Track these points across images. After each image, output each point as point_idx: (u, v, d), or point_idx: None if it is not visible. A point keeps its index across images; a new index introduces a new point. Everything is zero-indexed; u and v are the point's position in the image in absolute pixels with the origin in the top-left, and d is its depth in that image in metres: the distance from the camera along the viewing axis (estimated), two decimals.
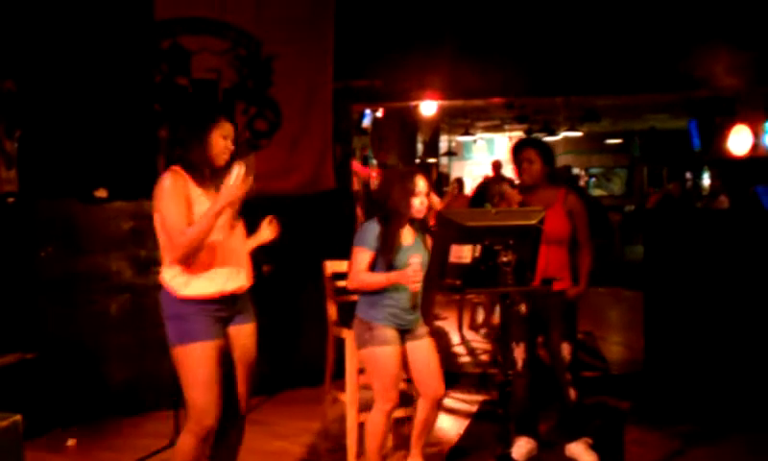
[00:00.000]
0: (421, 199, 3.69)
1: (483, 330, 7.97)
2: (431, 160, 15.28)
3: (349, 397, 4.20)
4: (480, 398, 5.58)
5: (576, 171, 19.49)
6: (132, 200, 5.20)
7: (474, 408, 5.38)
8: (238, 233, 3.36)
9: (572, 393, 4.30)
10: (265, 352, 5.55)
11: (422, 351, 3.80)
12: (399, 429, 4.52)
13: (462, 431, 4.94)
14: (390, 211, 3.68)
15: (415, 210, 3.68)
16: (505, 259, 3.30)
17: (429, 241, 3.83)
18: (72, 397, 5.06)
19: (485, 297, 7.70)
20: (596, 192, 20.42)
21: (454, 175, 18.55)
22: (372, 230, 3.69)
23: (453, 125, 16.92)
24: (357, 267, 3.68)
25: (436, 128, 15.93)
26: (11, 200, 5.13)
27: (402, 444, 4.34)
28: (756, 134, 9.41)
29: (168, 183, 3.13)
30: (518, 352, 4.31)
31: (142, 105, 5.46)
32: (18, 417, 3.02)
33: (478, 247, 3.39)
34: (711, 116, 10.36)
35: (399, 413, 4.13)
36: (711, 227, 5.49)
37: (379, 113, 10.16)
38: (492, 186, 9.40)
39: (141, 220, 5.04)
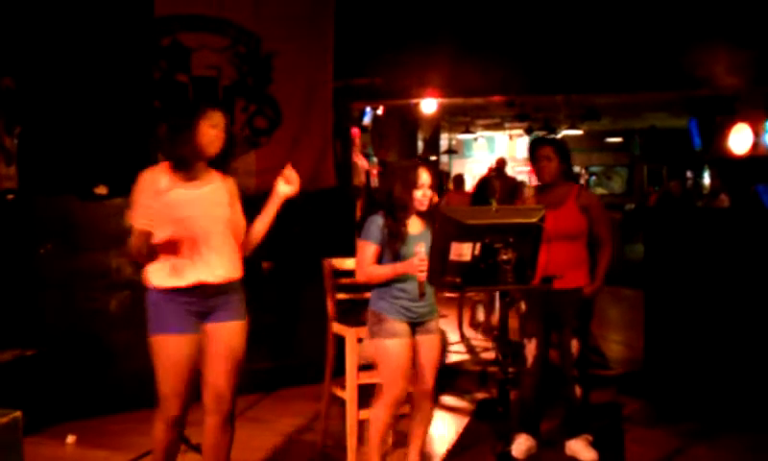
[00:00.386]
0: (424, 191, 3.68)
1: (483, 329, 7.97)
2: (432, 158, 15.27)
3: (349, 394, 4.19)
4: (480, 396, 5.58)
5: (577, 169, 19.48)
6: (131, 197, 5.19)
7: (474, 406, 5.38)
8: (220, 228, 3.33)
9: (578, 390, 4.30)
10: (265, 349, 5.63)
11: (429, 345, 3.78)
12: (398, 426, 4.51)
13: (461, 429, 4.94)
14: (393, 204, 3.69)
15: (417, 202, 3.68)
16: (505, 257, 3.29)
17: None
18: (71, 393, 5.06)
19: (485, 295, 7.69)
20: (597, 191, 20.41)
21: (455, 173, 18.55)
22: (376, 222, 3.70)
23: (454, 123, 16.92)
24: (364, 261, 3.69)
25: (436, 126, 15.93)
26: (10, 197, 5.13)
27: (401, 441, 4.33)
28: (757, 133, 9.40)
29: (140, 180, 3.26)
30: (530, 349, 4.31)
31: (142, 102, 5.46)
32: (18, 413, 3.02)
33: (478, 245, 3.38)
34: (712, 115, 10.35)
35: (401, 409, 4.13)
36: (712, 225, 5.49)
37: (380, 111, 10.16)
38: (492, 182, 9.40)
39: None
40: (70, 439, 4.73)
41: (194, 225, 3.24)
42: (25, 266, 5.08)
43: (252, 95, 5.78)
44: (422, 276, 3.55)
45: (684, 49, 5.82)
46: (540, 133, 17.14)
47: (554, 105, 13.56)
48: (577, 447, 4.30)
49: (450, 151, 18.87)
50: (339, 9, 5.98)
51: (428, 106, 9.01)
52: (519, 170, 16.95)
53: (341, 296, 4.46)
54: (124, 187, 5.22)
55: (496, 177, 11.19)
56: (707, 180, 16.35)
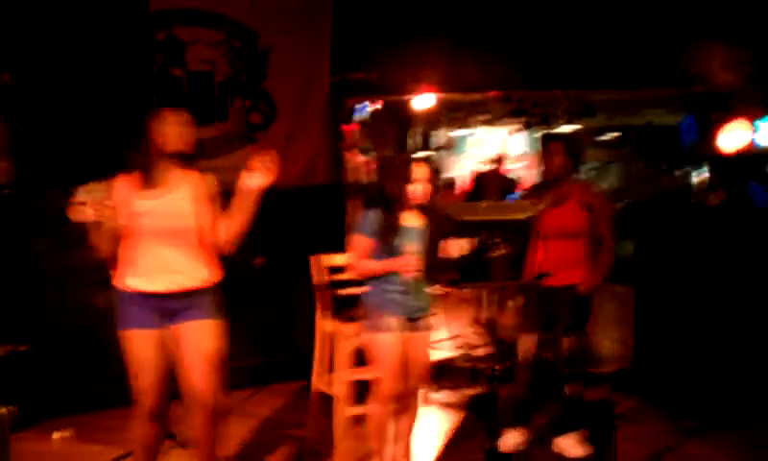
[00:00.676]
0: (416, 186, 3.68)
1: (474, 325, 7.97)
2: (427, 154, 15.24)
3: (338, 390, 4.19)
4: (470, 391, 5.59)
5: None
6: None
7: (464, 402, 5.38)
8: (183, 236, 3.34)
9: (571, 388, 4.31)
10: (258, 345, 5.63)
11: (418, 342, 3.80)
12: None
13: (452, 425, 4.95)
14: (387, 197, 3.70)
15: (410, 196, 3.68)
16: (498, 254, 3.31)
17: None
18: (64, 389, 5.07)
19: (476, 292, 7.70)
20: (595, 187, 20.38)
21: (448, 169, 18.51)
22: (370, 217, 3.72)
23: (450, 118, 16.88)
24: (357, 254, 3.73)
25: (432, 121, 15.89)
26: (6, 191, 5.12)
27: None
28: (752, 131, 9.39)
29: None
30: (524, 345, 4.31)
31: (137, 96, 5.45)
32: (4, 410, 3.02)
33: (472, 241, 3.40)
34: (708, 112, 10.34)
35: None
36: (704, 222, 5.50)
37: (377, 106, 10.12)
38: (487, 179, 9.39)
39: None
40: (61, 435, 4.73)
41: (155, 234, 3.27)
42: (19, 261, 5.07)
43: (247, 90, 5.78)
44: (410, 273, 3.55)
45: (681, 46, 5.83)
46: (538, 130, 17.12)
47: (551, 101, 13.53)
48: (567, 443, 4.32)
49: (444, 147, 18.83)
50: (335, 3, 5.97)
51: (424, 101, 8.98)
52: (513, 167, 16.91)
53: (331, 292, 4.46)
54: None
55: (493, 174, 11.22)
56: (699, 177, 16.32)
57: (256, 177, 3.31)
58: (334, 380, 4.23)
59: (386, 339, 3.68)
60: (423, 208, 3.72)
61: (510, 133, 20.20)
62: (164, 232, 3.29)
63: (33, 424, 4.79)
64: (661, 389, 5.34)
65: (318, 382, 4.47)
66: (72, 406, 5.03)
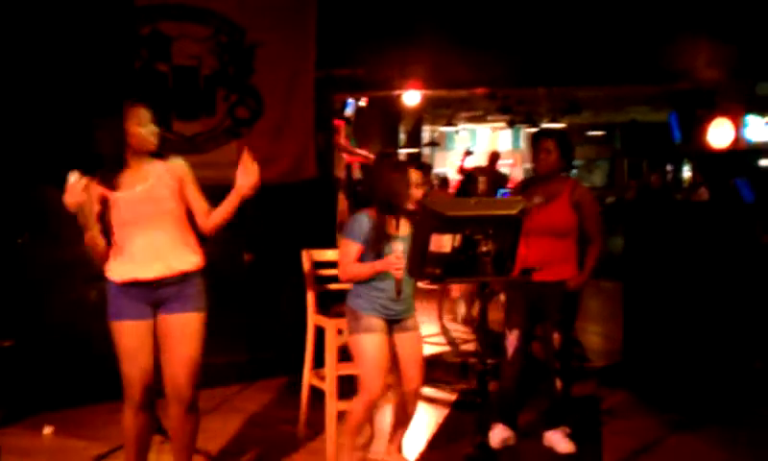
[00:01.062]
0: (415, 192, 3.74)
1: (464, 321, 8.00)
2: (415, 150, 15.26)
3: (329, 385, 4.19)
4: (460, 387, 5.60)
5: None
6: None
7: (453, 397, 5.40)
8: (175, 216, 3.41)
9: (558, 383, 4.32)
10: (246, 340, 5.61)
11: (410, 342, 3.81)
12: (378, 420, 4.52)
13: (441, 421, 4.96)
14: (386, 202, 3.68)
15: (412, 202, 3.71)
16: (485, 249, 3.30)
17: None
18: (50, 384, 5.03)
19: (464, 288, 7.72)
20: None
21: (436, 165, 18.54)
22: (360, 221, 3.69)
23: (436, 115, 16.91)
24: (346, 259, 3.70)
25: (419, 118, 15.91)
26: None
27: (381, 434, 4.35)
28: (737, 127, 9.45)
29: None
30: (511, 340, 4.32)
31: (121, 91, 5.41)
32: None
33: (458, 236, 3.39)
34: (692, 109, 10.39)
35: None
36: (690, 218, 5.53)
37: (362, 102, 10.12)
38: (476, 177, 9.41)
39: None
40: (47, 430, 4.69)
41: (142, 221, 3.33)
42: (2, 256, 5.03)
43: (234, 85, 5.75)
44: (399, 274, 3.57)
45: (664, 42, 5.85)
46: (523, 127, 17.20)
47: (536, 98, 13.59)
48: (555, 438, 4.33)
49: (432, 143, 18.86)
50: None
51: (410, 97, 8.99)
52: (500, 163, 16.97)
53: (321, 287, 4.46)
54: None
55: (486, 171, 11.25)
56: (686, 173, 16.46)
57: (247, 175, 3.35)
58: (324, 375, 4.23)
59: (370, 340, 3.67)
60: (412, 213, 3.71)
61: (493, 130, 20.27)
62: (150, 218, 3.35)
63: (18, 420, 4.76)
64: (650, 383, 5.36)
65: (309, 377, 4.47)
66: (57, 401, 4.99)
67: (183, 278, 3.38)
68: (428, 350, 6.56)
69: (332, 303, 4.38)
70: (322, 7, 5.96)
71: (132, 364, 3.35)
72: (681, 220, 5.51)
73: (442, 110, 16.06)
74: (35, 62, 5.16)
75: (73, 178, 3.16)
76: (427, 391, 5.45)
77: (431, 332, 7.43)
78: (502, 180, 11.47)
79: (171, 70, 5.57)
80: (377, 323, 3.69)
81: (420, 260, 3.22)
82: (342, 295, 3.99)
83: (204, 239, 3.54)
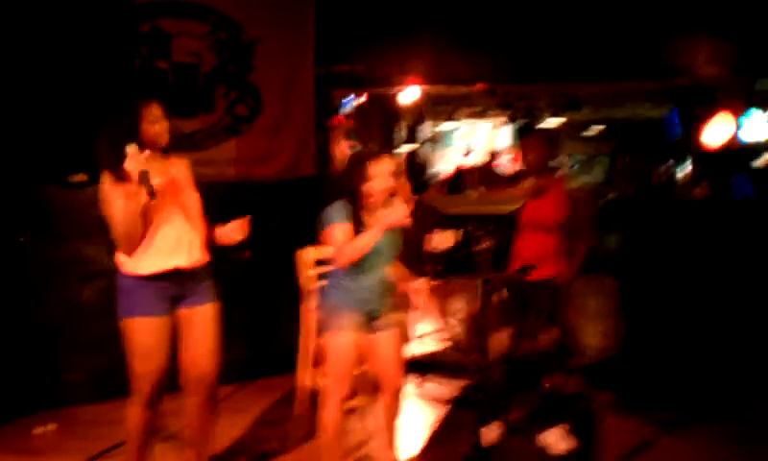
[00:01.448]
0: (378, 182, 3.54)
1: (462, 318, 7.99)
2: (412, 147, 15.23)
3: (322, 384, 4.17)
4: (459, 384, 5.59)
5: (559, 158, 19.46)
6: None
7: (453, 395, 5.39)
8: (188, 211, 3.45)
9: (550, 380, 4.32)
10: (244, 339, 5.60)
11: (386, 342, 3.69)
12: (367, 419, 4.51)
13: (438, 418, 4.95)
14: (350, 192, 3.60)
15: (371, 193, 3.56)
16: (483, 246, 3.30)
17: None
18: (43, 383, 5.03)
19: (461, 285, 7.72)
20: (580, 179, 20.43)
21: (435, 163, 18.49)
22: (338, 206, 3.58)
23: (436, 112, 16.88)
24: (340, 242, 3.54)
25: (418, 114, 15.89)
26: None
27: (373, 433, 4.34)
28: (737, 124, 9.44)
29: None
30: (497, 340, 4.32)
31: (121, 88, 5.40)
32: None
33: (459, 233, 3.40)
34: (692, 106, 10.38)
35: (362, 402, 4.12)
36: (688, 215, 5.53)
37: (362, 99, 10.11)
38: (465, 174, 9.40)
39: None
40: (38, 430, 4.69)
41: (161, 216, 3.35)
42: (2, 255, 5.02)
43: (233, 82, 5.75)
44: (406, 221, 3.42)
45: (665, 39, 5.84)
46: (524, 122, 17.11)
47: (537, 94, 13.56)
48: (553, 437, 4.33)
49: (431, 140, 18.83)
50: None
51: (410, 94, 8.97)
52: (500, 160, 16.93)
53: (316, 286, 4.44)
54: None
55: (483, 169, 11.25)
56: (682, 171, 16.41)
57: (236, 232, 3.50)
58: (317, 374, 4.22)
59: (341, 339, 3.57)
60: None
61: (494, 126, 20.24)
62: (173, 210, 3.38)
63: (7, 420, 4.77)
64: (645, 381, 5.36)
65: (302, 376, 4.45)
66: (50, 401, 4.99)
67: (200, 270, 3.44)
68: (425, 347, 6.56)
69: None
70: (321, 3, 5.96)
71: (148, 361, 3.35)
72: (678, 217, 5.50)
73: (442, 107, 16.03)
74: (35, 61, 5.16)
75: (132, 149, 3.16)
76: (428, 387, 5.46)
77: (428, 330, 7.42)
78: (496, 178, 11.47)
79: (170, 67, 5.57)
80: (352, 320, 3.57)
81: (420, 256, 3.22)
82: None
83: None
